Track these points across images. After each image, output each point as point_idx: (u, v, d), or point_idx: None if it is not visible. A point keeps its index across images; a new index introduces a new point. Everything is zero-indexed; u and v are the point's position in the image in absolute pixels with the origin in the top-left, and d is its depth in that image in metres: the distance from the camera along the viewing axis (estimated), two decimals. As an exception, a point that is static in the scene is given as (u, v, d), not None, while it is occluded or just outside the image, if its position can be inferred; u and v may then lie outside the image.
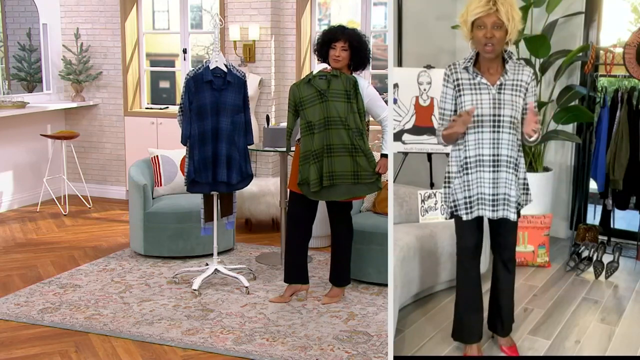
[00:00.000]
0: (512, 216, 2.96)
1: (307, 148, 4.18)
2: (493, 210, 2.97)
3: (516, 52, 3.94)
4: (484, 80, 2.91)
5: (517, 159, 2.95)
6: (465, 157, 2.95)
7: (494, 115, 2.90)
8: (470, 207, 2.98)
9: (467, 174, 2.96)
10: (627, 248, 4.12)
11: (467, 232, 3.06)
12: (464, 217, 3.00)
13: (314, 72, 4.23)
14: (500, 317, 3.20)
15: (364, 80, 4.37)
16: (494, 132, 2.90)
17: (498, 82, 2.91)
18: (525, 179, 3.01)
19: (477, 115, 2.91)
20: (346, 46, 4.21)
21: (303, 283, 4.48)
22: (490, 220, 3.05)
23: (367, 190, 4.25)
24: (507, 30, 2.83)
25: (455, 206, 3.01)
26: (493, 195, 2.95)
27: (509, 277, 3.15)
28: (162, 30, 8.29)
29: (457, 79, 2.96)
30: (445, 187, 3.04)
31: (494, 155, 2.92)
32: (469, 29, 2.88)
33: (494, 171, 2.93)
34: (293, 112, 4.26)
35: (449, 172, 3.03)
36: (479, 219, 3.04)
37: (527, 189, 3.03)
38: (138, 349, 3.77)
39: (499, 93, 2.90)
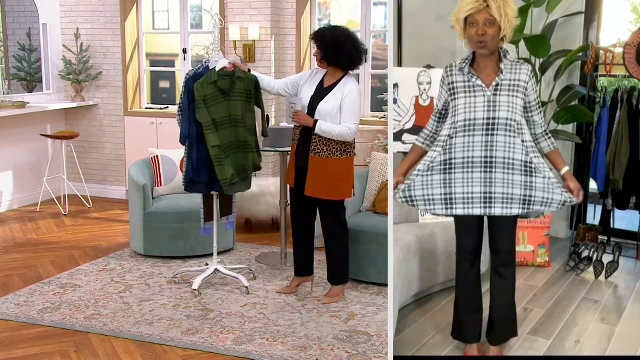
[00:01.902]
0: (515, 211, 2.88)
1: (213, 144, 4.37)
2: (485, 207, 2.89)
3: (516, 52, 3.94)
4: (479, 82, 2.86)
5: (525, 162, 2.85)
6: (451, 159, 2.88)
7: (488, 118, 2.84)
8: (451, 204, 2.89)
9: (451, 173, 2.88)
10: (627, 248, 4.12)
11: (467, 233, 3.03)
12: (440, 212, 2.92)
13: (217, 70, 4.36)
14: (492, 326, 3.13)
15: (353, 83, 4.29)
16: (487, 135, 2.84)
17: (494, 83, 2.85)
18: (551, 178, 2.89)
19: (470, 120, 2.85)
20: (316, 46, 4.30)
21: (308, 275, 4.60)
22: (488, 223, 3.01)
23: (244, 187, 4.59)
24: (501, 27, 2.78)
25: (426, 201, 2.92)
26: (485, 193, 2.87)
27: (502, 283, 3.06)
28: (162, 30, 8.28)
29: (452, 82, 2.91)
30: (407, 179, 2.96)
31: (486, 157, 2.85)
32: (462, 27, 2.83)
33: (486, 171, 2.86)
34: (204, 107, 4.37)
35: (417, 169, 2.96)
36: (479, 221, 3.01)
37: (562, 187, 2.92)
38: (138, 349, 3.77)
39: (495, 95, 2.85)
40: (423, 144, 3.09)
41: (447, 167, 2.90)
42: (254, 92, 4.49)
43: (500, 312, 3.10)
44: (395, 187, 2.98)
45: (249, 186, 4.65)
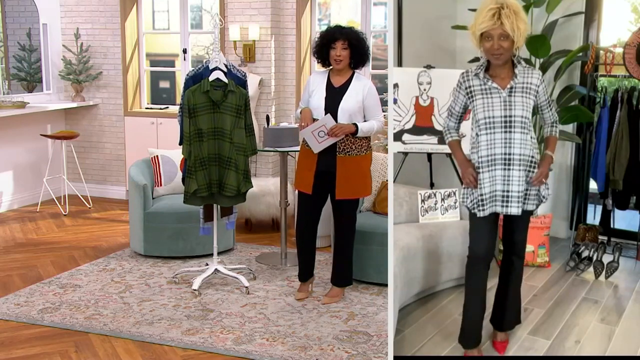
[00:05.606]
0: (531, 207, 3.09)
1: (197, 154, 4.38)
2: (504, 206, 3.04)
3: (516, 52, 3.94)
4: (494, 85, 3.03)
5: (532, 157, 3.04)
6: (479, 157, 3.04)
7: (505, 116, 3.01)
8: (483, 205, 3.04)
9: (480, 172, 3.04)
10: (627, 248, 4.11)
11: (481, 234, 3.11)
12: (478, 214, 3.06)
13: (210, 80, 4.35)
14: (503, 313, 3.25)
15: (367, 79, 4.38)
16: (505, 132, 3.01)
17: (509, 86, 3.02)
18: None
19: (489, 117, 3.02)
20: (346, 44, 4.23)
21: (311, 277, 4.61)
22: (504, 219, 3.14)
23: (227, 202, 4.53)
24: (514, 40, 2.94)
25: (474, 204, 3.08)
26: (504, 192, 3.03)
27: (514, 273, 3.25)
28: (162, 30, 8.28)
29: (469, 87, 3.08)
30: (465, 186, 3.13)
31: (505, 154, 3.01)
32: (477, 40, 2.99)
33: (505, 169, 3.02)
34: (188, 117, 4.38)
35: None
36: (494, 222, 3.11)
37: (546, 183, 3.12)
38: (138, 349, 3.77)
39: (510, 95, 3.02)
40: (459, 136, 3.23)
41: (479, 165, 3.07)
42: (243, 108, 4.43)
43: (511, 299, 3.25)
44: (470, 182, 3.08)
45: (237, 201, 4.55)
